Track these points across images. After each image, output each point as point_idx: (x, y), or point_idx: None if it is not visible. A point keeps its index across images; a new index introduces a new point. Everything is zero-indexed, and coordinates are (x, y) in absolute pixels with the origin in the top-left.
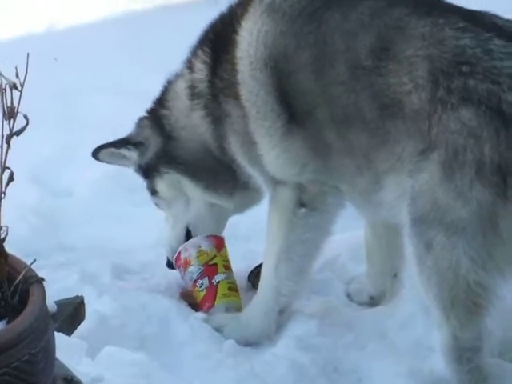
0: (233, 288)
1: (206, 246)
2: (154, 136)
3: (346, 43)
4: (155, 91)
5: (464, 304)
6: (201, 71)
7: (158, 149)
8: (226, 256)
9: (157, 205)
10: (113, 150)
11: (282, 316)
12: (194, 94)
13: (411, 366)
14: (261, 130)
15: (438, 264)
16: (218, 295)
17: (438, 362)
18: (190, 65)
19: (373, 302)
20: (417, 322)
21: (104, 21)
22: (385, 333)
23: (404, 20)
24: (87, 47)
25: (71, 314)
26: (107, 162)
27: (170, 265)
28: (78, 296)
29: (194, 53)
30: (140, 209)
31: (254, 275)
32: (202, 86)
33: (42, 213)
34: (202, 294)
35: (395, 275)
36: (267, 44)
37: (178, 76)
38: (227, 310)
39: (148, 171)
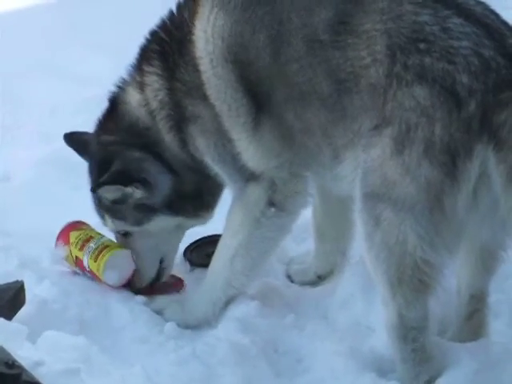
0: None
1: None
2: (164, 174)
3: (302, 20)
4: (91, 73)
5: (411, 281)
6: (156, 82)
7: (168, 188)
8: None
9: (124, 233)
10: (118, 187)
11: (227, 305)
12: (152, 111)
13: (351, 345)
14: (236, 127)
15: (385, 240)
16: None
17: (378, 342)
18: (138, 85)
19: (319, 280)
20: (356, 302)
21: (40, 3)
22: (325, 313)
23: None
24: (24, 30)
25: (11, 298)
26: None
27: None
28: (17, 281)
29: (140, 73)
30: (79, 192)
31: (190, 251)
32: (161, 96)
33: None
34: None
35: (344, 253)
36: (224, 38)
37: (130, 102)
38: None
39: (144, 209)
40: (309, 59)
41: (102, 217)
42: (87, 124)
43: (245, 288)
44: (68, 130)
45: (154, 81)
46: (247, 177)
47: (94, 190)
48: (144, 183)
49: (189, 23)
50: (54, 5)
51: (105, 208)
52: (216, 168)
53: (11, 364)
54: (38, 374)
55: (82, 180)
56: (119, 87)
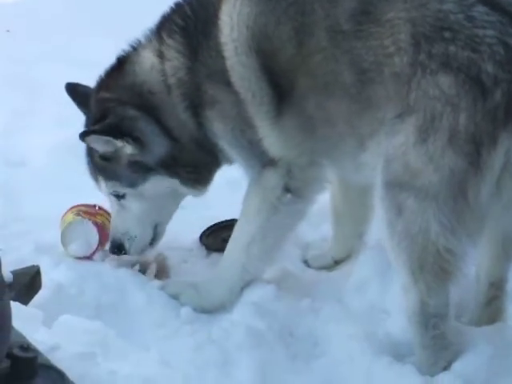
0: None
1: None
2: (160, 137)
3: (325, 10)
4: (103, 59)
5: (432, 269)
6: (176, 60)
7: (164, 151)
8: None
9: (117, 196)
10: (107, 138)
11: (242, 290)
12: (168, 85)
13: (367, 329)
14: (259, 114)
15: (407, 228)
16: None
17: (394, 325)
18: (156, 52)
19: (336, 265)
20: (372, 286)
21: None
22: (340, 297)
23: None
24: (38, 18)
25: (27, 283)
26: (93, 146)
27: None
28: (34, 265)
29: (159, 40)
30: None
31: (206, 236)
32: (180, 75)
33: None
34: None
35: (361, 236)
36: (249, 26)
37: (141, 64)
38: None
39: (138, 169)
40: (332, 50)
41: (96, 179)
42: None
43: (261, 273)
44: (82, 116)
45: (174, 57)
46: (265, 163)
47: (82, 137)
48: (136, 140)
49: (215, 4)
50: None
51: (99, 167)
52: (232, 152)
53: (26, 348)
54: (53, 358)
55: None
56: (133, 48)
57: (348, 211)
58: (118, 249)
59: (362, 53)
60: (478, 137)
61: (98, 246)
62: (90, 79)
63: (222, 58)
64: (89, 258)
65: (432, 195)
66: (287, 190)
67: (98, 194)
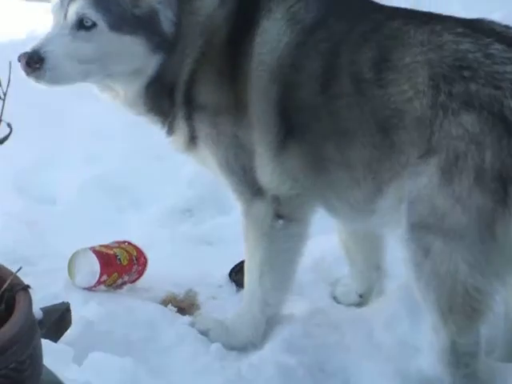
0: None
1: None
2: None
3: (351, 56)
4: None
5: (462, 309)
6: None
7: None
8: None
9: (81, 23)
10: None
11: (269, 324)
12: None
13: (398, 365)
14: (263, 142)
15: (435, 270)
16: None
17: (425, 362)
18: None
19: (362, 300)
20: (402, 322)
21: None
22: (370, 333)
23: (402, 30)
24: None
25: (58, 320)
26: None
27: None
28: (63, 302)
29: None
30: (123, 214)
31: (235, 273)
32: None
33: (27, 220)
34: None
35: (378, 267)
36: (282, 55)
37: None
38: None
39: (138, 20)
40: (356, 97)
41: None
42: (129, 146)
43: (281, 304)
44: (111, 153)
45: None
46: (254, 191)
47: None
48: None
49: (257, 14)
50: None
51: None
52: (221, 177)
53: None
54: None
55: (126, 202)
56: None
57: (357, 246)
58: (32, 57)
59: (383, 100)
60: (505, 174)
61: (102, 275)
62: (118, 116)
63: (243, 69)
64: (95, 287)
65: (459, 236)
66: (278, 216)
67: (127, 231)
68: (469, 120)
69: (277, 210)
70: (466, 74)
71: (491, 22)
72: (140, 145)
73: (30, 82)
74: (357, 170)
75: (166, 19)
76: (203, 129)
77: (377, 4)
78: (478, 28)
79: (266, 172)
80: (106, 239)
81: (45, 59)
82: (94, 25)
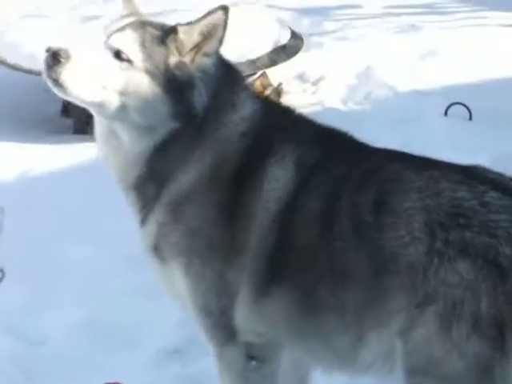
0: None
1: None
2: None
3: (351, 198)
4: (126, 235)
5: None
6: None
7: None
8: None
9: (118, 56)
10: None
11: None
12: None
13: None
14: (247, 286)
15: None
16: None
17: None
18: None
19: None
20: None
21: (74, 167)
22: None
23: (401, 174)
24: (59, 194)
25: None
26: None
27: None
28: None
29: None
30: (114, 355)
31: None
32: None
33: (18, 363)
34: None
35: None
36: (285, 202)
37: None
38: None
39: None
40: (354, 239)
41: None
42: (123, 287)
43: None
44: (101, 293)
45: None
46: (227, 335)
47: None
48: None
49: (269, 158)
50: (90, 166)
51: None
52: (194, 315)
53: None
54: None
55: (116, 343)
56: None
57: None
58: (61, 51)
59: (381, 243)
60: (501, 320)
61: None
62: (111, 256)
63: (248, 212)
64: None
65: (457, 381)
66: (250, 357)
67: (117, 372)
68: (464, 267)
69: (248, 351)
70: (462, 221)
71: (485, 170)
72: (131, 284)
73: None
74: (348, 313)
75: (200, 97)
76: (182, 254)
77: (374, 147)
78: (473, 175)
79: (243, 313)
80: (97, 381)
81: (71, 57)
82: (130, 61)
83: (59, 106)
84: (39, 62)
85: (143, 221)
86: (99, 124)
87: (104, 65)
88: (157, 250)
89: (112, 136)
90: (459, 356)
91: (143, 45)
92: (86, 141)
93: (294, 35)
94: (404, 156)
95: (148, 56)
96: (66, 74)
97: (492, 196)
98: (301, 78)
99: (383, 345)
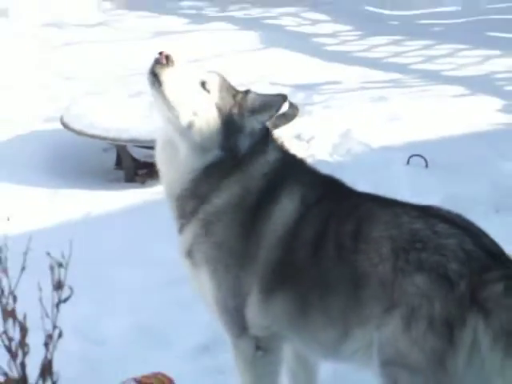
0: None
1: None
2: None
3: (337, 228)
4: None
5: None
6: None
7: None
8: None
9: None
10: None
11: None
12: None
13: None
14: (257, 288)
15: None
16: None
17: None
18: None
19: None
20: None
21: (126, 208)
22: None
23: (373, 211)
24: (114, 229)
25: None
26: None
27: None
28: None
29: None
30: (158, 351)
31: None
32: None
33: (84, 359)
34: None
35: None
36: (289, 227)
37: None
38: None
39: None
40: (338, 260)
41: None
42: (163, 299)
43: None
44: (148, 304)
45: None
46: (241, 329)
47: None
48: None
49: (281, 191)
50: (135, 209)
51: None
52: (215, 311)
53: None
54: None
55: (160, 342)
56: None
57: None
58: (170, 56)
59: (357, 264)
60: (451, 320)
61: None
62: (159, 279)
63: (260, 232)
64: None
65: (419, 370)
66: (258, 347)
67: (160, 365)
68: (421, 280)
69: (256, 343)
70: (419, 246)
71: (438, 208)
72: (169, 297)
73: (87, 252)
74: (334, 314)
75: (243, 141)
76: (209, 261)
77: (356, 190)
78: (427, 212)
79: (253, 312)
80: (145, 371)
81: (175, 63)
82: (209, 92)
83: (113, 162)
84: (98, 129)
85: (181, 229)
86: (162, 136)
87: (191, 86)
88: (190, 255)
89: (171, 148)
90: (419, 350)
91: (221, 88)
92: (135, 188)
93: (292, 105)
94: (376, 197)
95: (221, 97)
96: (168, 75)
97: (442, 226)
98: (297, 137)
99: (364, 339)
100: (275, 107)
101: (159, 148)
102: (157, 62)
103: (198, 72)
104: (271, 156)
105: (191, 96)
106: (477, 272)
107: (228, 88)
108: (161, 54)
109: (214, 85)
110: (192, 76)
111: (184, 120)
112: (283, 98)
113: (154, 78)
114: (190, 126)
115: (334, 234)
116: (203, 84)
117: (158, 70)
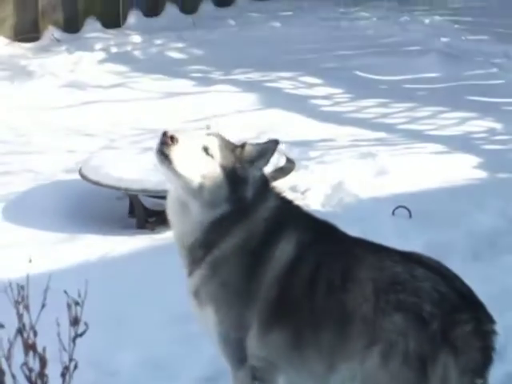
0: None
1: None
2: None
3: (328, 269)
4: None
5: None
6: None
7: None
8: None
9: (207, 151)
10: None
11: None
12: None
13: None
14: (257, 322)
15: None
16: None
17: None
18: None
19: None
20: None
21: (137, 251)
22: None
23: (360, 255)
24: (126, 270)
25: None
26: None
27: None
28: None
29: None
30: (166, 382)
31: None
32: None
33: None
34: None
35: None
36: (286, 266)
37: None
38: None
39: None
40: (329, 296)
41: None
42: (171, 334)
43: None
44: (158, 338)
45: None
46: (240, 361)
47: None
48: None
49: (281, 234)
50: (145, 252)
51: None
52: (217, 344)
53: None
54: None
55: (167, 374)
56: None
57: None
58: (174, 136)
59: (344, 302)
60: (424, 356)
61: None
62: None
63: (262, 271)
64: None
65: None
66: (254, 378)
67: None
68: (398, 319)
69: (253, 373)
70: (398, 287)
71: (419, 254)
72: (176, 332)
73: (103, 291)
74: (323, 348)
75: (249, 191)
76: (214, 300)
77: (347, 235)
78: (409, 257)
79: (252, 344)
80: None
81: (179, 141)
82: (213, 156)
83: (125, 210)
84: (112, 180)
85: (190, 273)
86: (173, 198)
87: (196, 155)
88: (197, 295)
89: (182, 205)
90: (396, 382)
91: (221, 148)
92: (146, 234)
93: (289, 160)
94: (363, 242)
95: (223, 156)
96: (175, 153)
97: (419, 271)
98: (293, 189)
99: (349, 372)
100: (270, 151)
101: (170, 203)
102: (163, 142)
103: (199, 139)
104: (271, 202)
105: (198, 164)
106: (448, 313)
107: (227, 146)
108: (165, 134)
109: (215, 148)
110: (195, 145)
111: (195, 184)
112: (276, 142)
113: (163, 157)
114: (201, 188)
115: (326, 274)
116: (206, 150)
117: (166, 150)
